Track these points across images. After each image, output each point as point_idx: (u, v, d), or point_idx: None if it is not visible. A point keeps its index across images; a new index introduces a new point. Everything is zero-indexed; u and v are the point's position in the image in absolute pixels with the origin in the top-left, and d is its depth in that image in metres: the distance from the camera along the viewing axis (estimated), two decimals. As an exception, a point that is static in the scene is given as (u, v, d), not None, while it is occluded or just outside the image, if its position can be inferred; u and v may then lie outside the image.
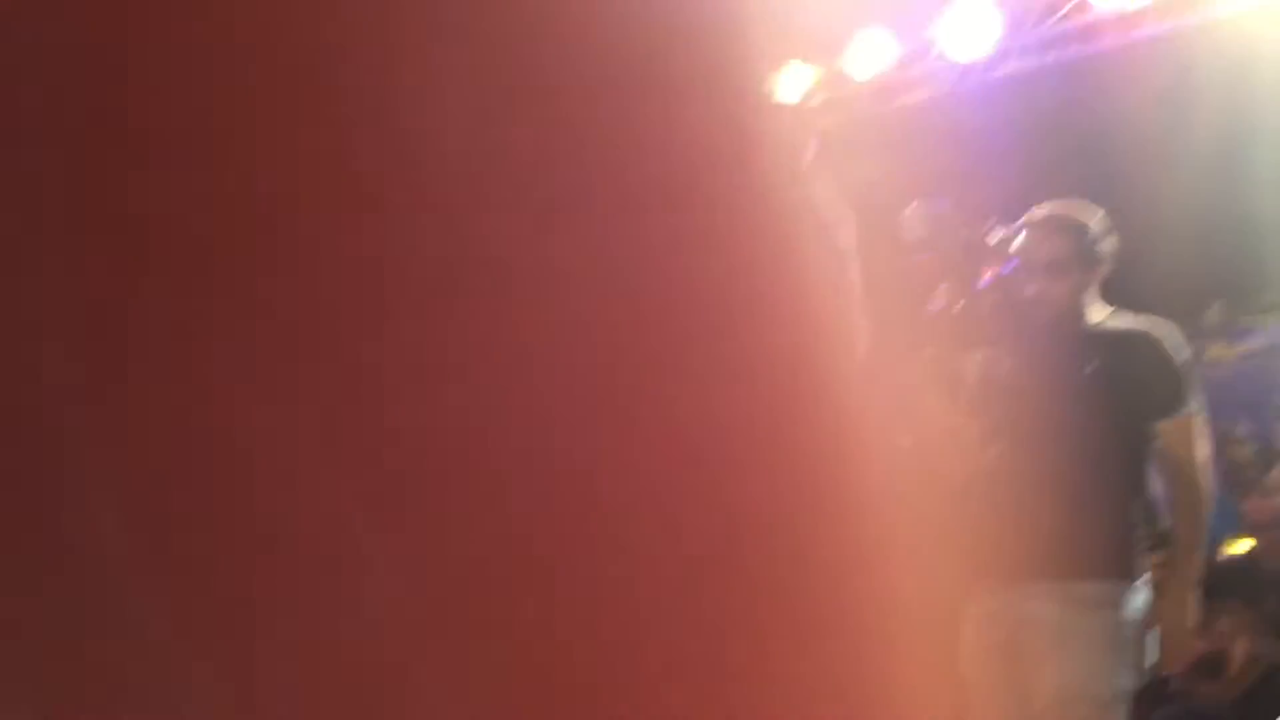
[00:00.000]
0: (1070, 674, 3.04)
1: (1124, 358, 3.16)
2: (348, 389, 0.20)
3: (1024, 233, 3.25)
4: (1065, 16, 5.56)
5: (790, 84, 6.18)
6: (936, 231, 3.34)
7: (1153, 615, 3.02)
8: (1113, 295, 3.27)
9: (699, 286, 0.22)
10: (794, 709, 0.22)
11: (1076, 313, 3.24)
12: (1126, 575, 3.07)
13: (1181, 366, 3.16)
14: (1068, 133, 5.37)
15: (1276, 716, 3.76)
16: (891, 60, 5.90)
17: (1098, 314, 3.28)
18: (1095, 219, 3.23)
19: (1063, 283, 3.20)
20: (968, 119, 5.83)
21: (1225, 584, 4.60)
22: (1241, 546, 5.04)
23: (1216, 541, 5.22)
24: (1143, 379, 3.15)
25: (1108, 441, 3.13)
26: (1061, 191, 3.58)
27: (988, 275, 3.33)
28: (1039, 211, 3.25)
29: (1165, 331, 3.20)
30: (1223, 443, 5.97)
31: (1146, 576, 3.13)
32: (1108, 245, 3.23)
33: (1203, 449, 3.14)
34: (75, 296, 0.20)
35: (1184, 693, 4.41)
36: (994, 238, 3.35)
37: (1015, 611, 3.14)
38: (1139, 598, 3.08)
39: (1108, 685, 3.04)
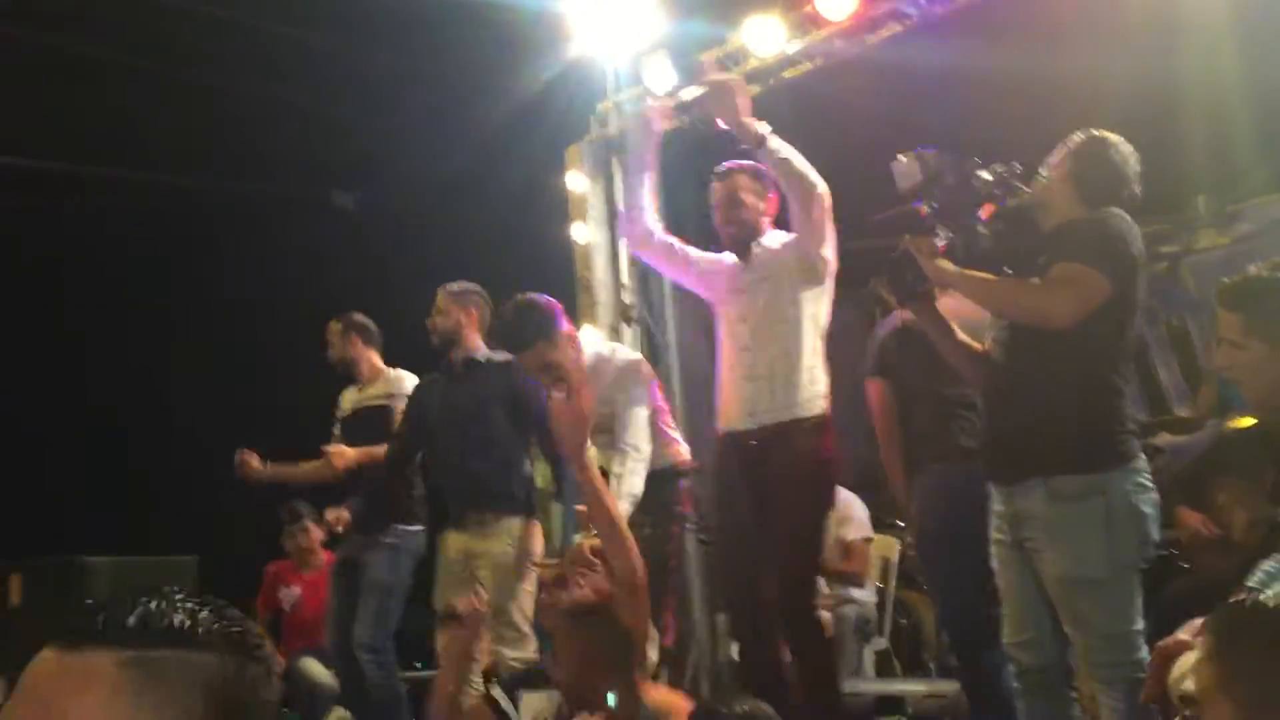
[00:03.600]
0: (1063, 562, 3.24)
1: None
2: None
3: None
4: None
5: (761, 36, 6.36)
6: (929, 178, 3.45)
7: None
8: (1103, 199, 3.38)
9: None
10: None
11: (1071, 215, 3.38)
12: (1109, 465, 3.24)
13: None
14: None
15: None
16: (856, 1, 6.03)
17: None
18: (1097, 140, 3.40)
19: (1064, 188, 3.37)
20: (940, 52, 5.98)
21: (1223, 460, 4.82)
22: (1245, 422, 5.19)
23: (1225, 418, 5.42)
24: None
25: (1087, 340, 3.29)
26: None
27: (985, 210, 3.46)
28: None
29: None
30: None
31: (1134, 463, 3.28)
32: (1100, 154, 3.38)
33: None
34: None
35: (1193, 566, 4.63)
36: (984, 175, 3.46)
37: (1013, 508, 3.37)
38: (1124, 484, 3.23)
39: (1101, 568, 3.21)
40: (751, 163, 4.20)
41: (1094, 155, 3.38)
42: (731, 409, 4.17)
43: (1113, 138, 3.41)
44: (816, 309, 4.15)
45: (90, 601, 1.20)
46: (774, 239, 4.25)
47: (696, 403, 7.16)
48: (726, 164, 4.26)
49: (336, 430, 5.73)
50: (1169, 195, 6.50)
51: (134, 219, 8.50)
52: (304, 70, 7.96)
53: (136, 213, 8.43)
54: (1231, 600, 1.83)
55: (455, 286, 5.08)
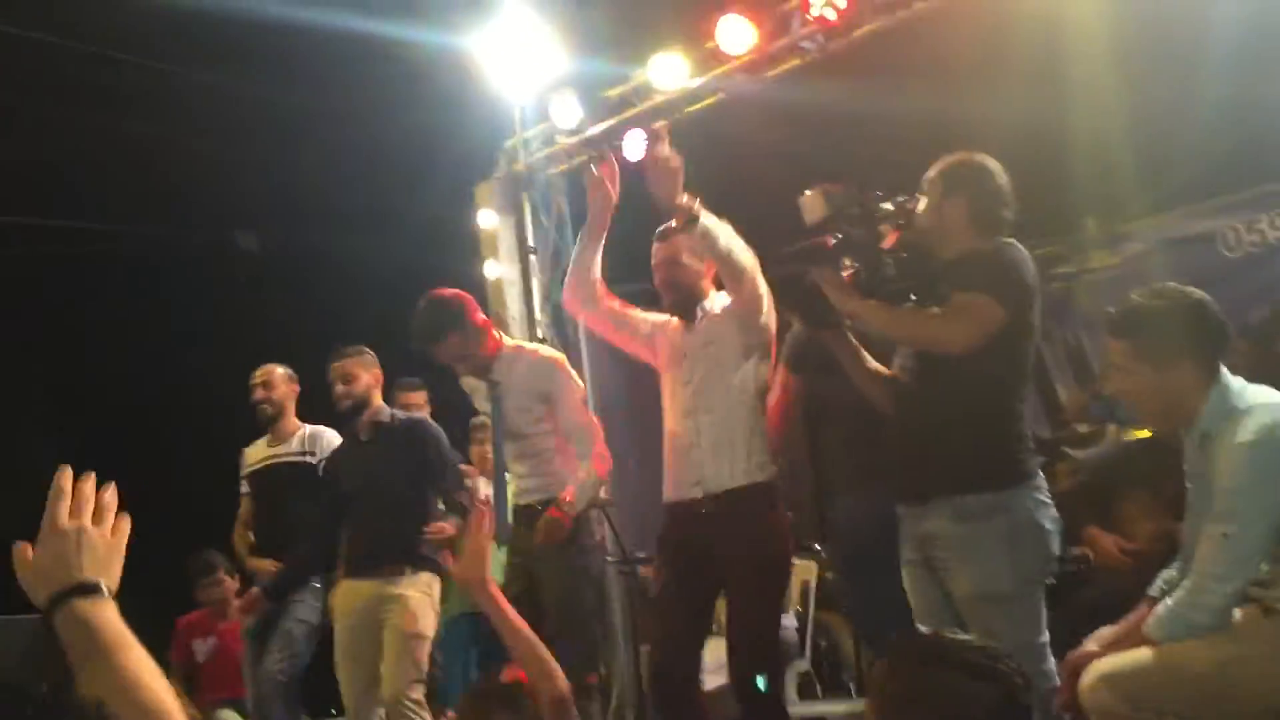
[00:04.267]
0: (971, 579, 3.31)
1: None
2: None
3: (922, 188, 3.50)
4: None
5: (665, 73, 6.46)
6: (834, 211, 3.50)
7: None
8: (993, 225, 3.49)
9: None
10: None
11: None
12: (1011, 483, 3.33)
13: None
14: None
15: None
16: (755, 37, 6.16)
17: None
18: (978, 167, 3.49)
19: (956, 212, 3.45)
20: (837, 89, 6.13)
21: (1126, 472, 4.97)
22: (1144, 433, 5.33)
23: (1123, 430, 5.58)
24: None
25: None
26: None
27: (890, 239, 3.53)
28: (933, 169, 3.52)
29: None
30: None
31: (1035, 480, 3.37)
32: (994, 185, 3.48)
33: None
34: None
35: (1101, 576, 4.76)
36: (886, 205, 3.54)
37: (922, 529, 3.44)
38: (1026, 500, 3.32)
39: (1008, 583, 3.28)
40: None
41: (977, 181, 3.48)
42: (678, 477, 4.11)
43: (981, 158, 3.52)
44: (759, 374, 4.12)
45: None
46: (717, 302, 4.20)
47: (611, 434, 7.19)
48: (666, 225, 4.17)
49: (245, 488, 5.64)
50: (1061, 219, 6.73)
51: (35, 263, 8.30)
52: (206, 110, 7.86)
53: (37, 257, 8.23)
54: (904, 629, 1.86)
55: (352, 350, 5.08)
